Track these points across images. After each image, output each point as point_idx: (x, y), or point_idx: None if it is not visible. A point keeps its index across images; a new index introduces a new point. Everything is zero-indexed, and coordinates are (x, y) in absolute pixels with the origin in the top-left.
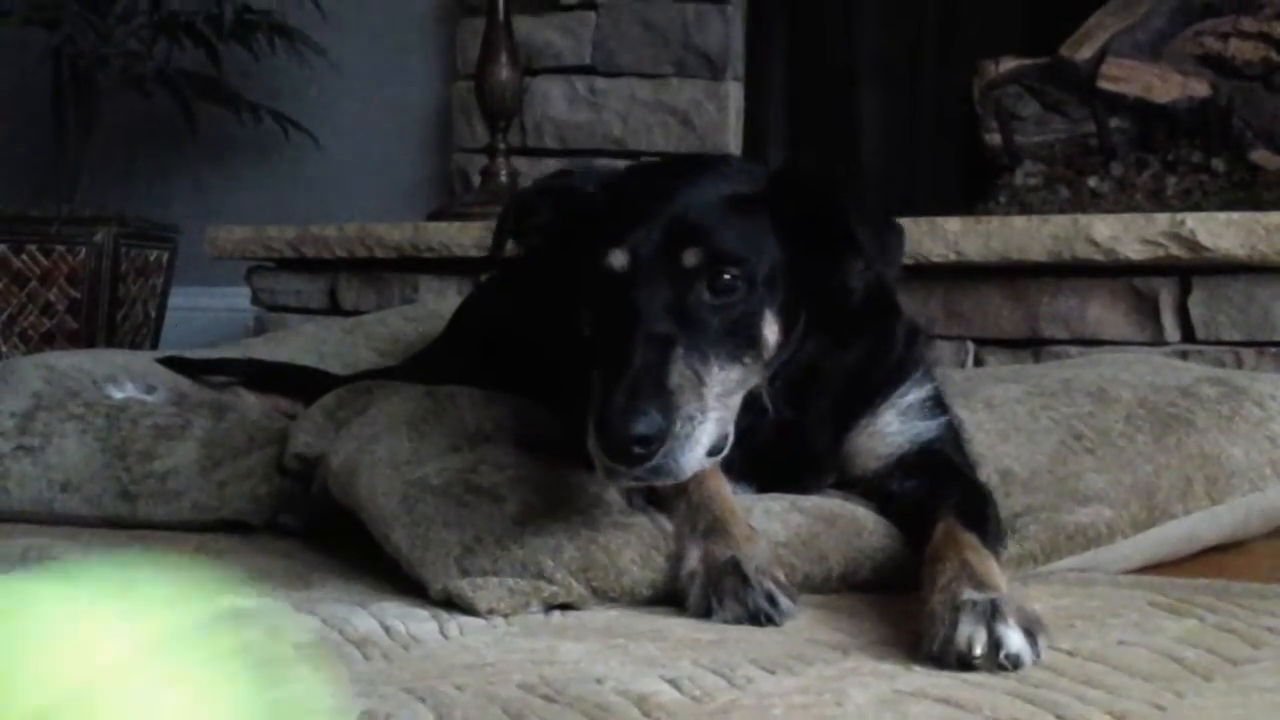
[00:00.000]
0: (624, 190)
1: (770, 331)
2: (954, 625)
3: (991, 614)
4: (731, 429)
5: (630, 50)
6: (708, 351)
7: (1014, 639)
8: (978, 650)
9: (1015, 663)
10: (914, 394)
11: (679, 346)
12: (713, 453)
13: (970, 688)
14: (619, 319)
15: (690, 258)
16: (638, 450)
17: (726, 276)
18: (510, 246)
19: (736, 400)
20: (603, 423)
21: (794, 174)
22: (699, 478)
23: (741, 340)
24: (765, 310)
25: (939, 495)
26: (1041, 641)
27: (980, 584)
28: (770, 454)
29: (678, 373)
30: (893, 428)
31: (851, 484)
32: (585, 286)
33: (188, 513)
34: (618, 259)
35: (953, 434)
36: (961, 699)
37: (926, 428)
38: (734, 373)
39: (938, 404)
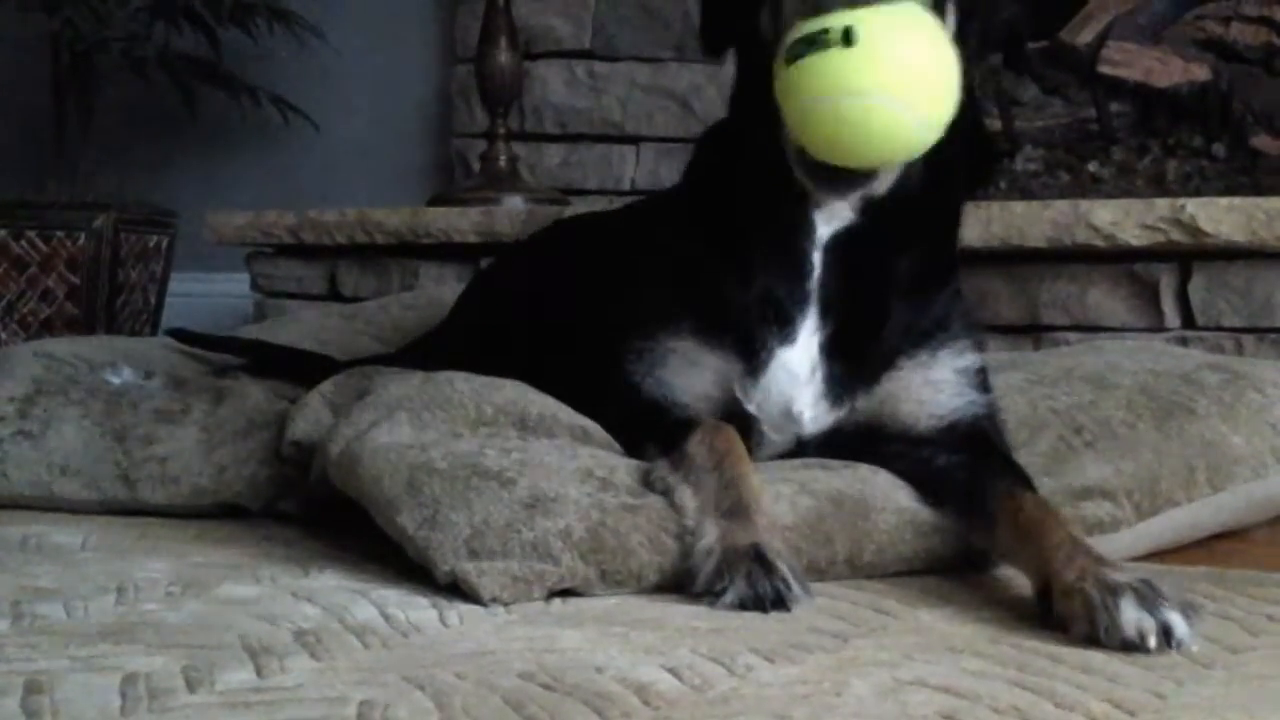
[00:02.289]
0: None
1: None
2: (1117, 611)
3: (1153, 598)
4: None
5: (630, 34)
6: None
7: (1180, 623)
8: (1151, 640)
9: (1179, 646)
10: (971, 357)
11: None
12: None
13: (970, 676)
14: None
15: None
16: None
17: None
18: None
19: None
20: None
21: None
22: (731, 459)
23: None
24: None
25: (992, 472)
26: (1194, 620)
27: (1104, 562)
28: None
29: None
30: (949, 385)
31: (890, 438)
32: None
33: (187, 497)
34: None
35: (997, 415)
36: (962, 688)
37: (980, 401)
38: None
39: (987, 381)
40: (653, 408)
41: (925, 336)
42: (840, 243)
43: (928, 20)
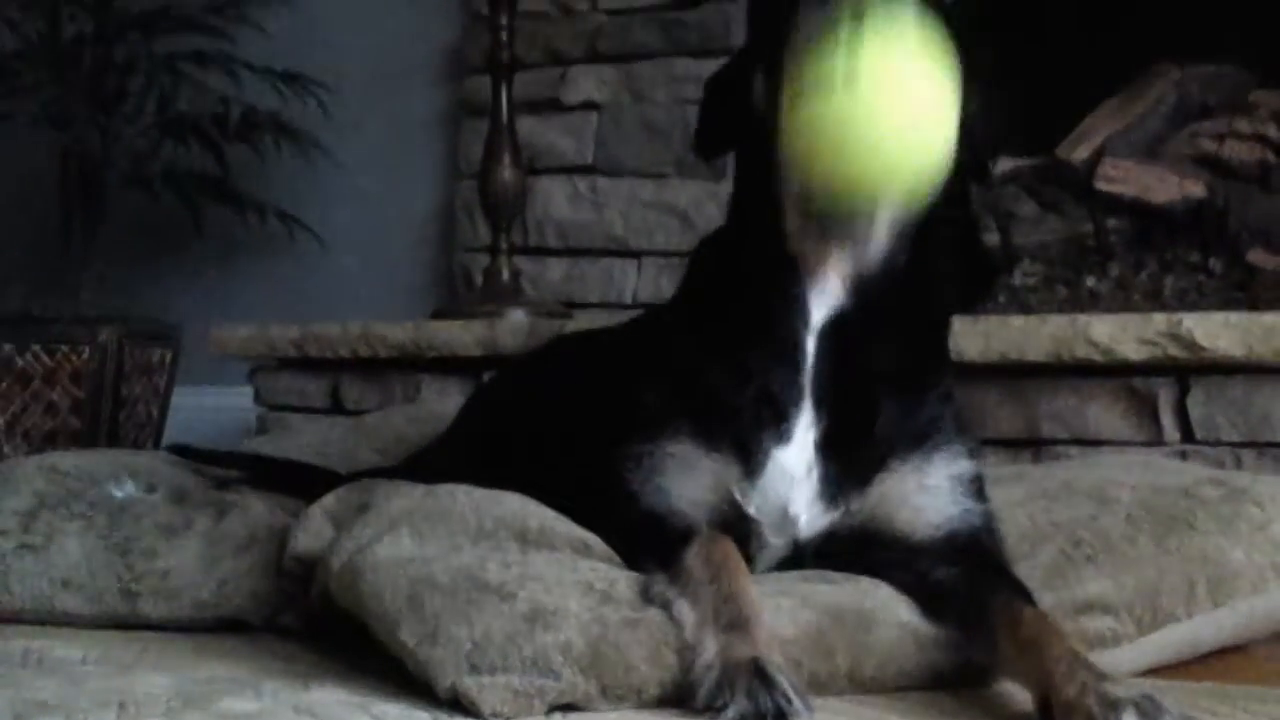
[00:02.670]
0: None
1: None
2: None
3: (1154, 713)
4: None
5: (632, 151)
6: None
7: None
8: None
9: None
10: (965, 464)
11: None
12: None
13: None
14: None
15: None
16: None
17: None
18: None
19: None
20: None
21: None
22: (729, 571)
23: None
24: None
25: (991, 586)
26: None
27: (1105, 676)
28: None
29: None
30: (944, 492)
31: (888, 548)
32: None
33: (188, 611)
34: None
35: (995, 526)
36: None
37: (977, 511)
38: None
39: (984, 491)
40: (651, 518)
41: (918, 439)
42: (833, 328)
43: (924, 52)
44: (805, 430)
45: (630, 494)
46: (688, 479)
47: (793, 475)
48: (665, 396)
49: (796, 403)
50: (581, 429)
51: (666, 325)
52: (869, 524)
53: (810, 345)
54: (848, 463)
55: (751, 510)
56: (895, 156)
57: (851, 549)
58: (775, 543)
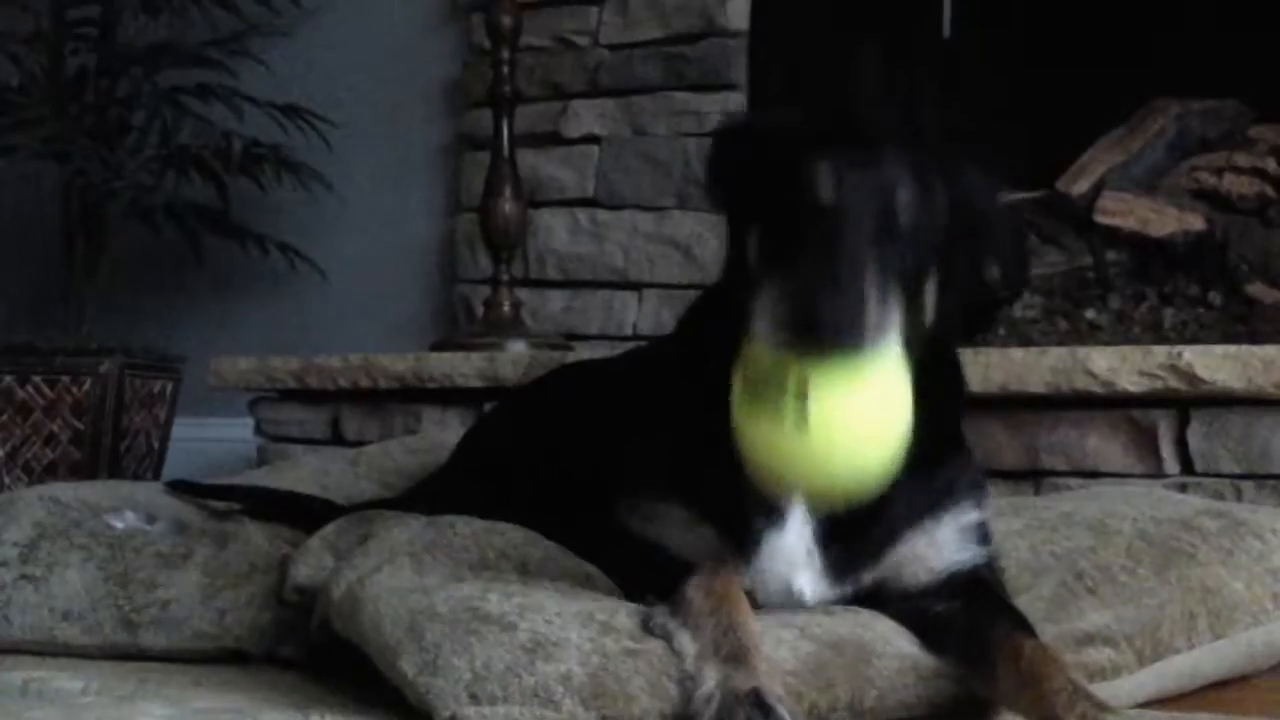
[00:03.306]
0: (830, 130)
1: (930, 299)
2: None
3: None
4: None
5: (632, 183)
6: (888, 288)
7: None
8: None
9: None
10: (972, 515)
11: (872, 272)
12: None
13: None
14: (809, 244)
15: (904, 213)
16: (831, 333)
17: (917, 229)
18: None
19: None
20: (804, 309)
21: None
22: (729, 604)
23: (910, 296)
24: (929, 278)
25: (991, 618)
26: None
27: (1105, 708)
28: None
29: (872, 286)
30: (951, 544)
31: (890, 596)
32: (767, 214)
33: (188, 641)
34: (826, 191)
35: (996, 564)
36: None
37: (979, 553)
38: (897, 315)
39: (988, 534)
40: (649, 553)
41: (931, 507)
42: None
43: (882, 394)
44: (801, 524)
45: (627, 534)
46: (683, 535)
47: (793, 560)
48: (662, 449)
49: (789, 501)
50: (578, 466)
51: (665, 375)
52: (878, 586)
53: None
54: (855, 545)
55: (747, 584)
56: (847, 468)
57: (856, 600)
58: (777, 603)
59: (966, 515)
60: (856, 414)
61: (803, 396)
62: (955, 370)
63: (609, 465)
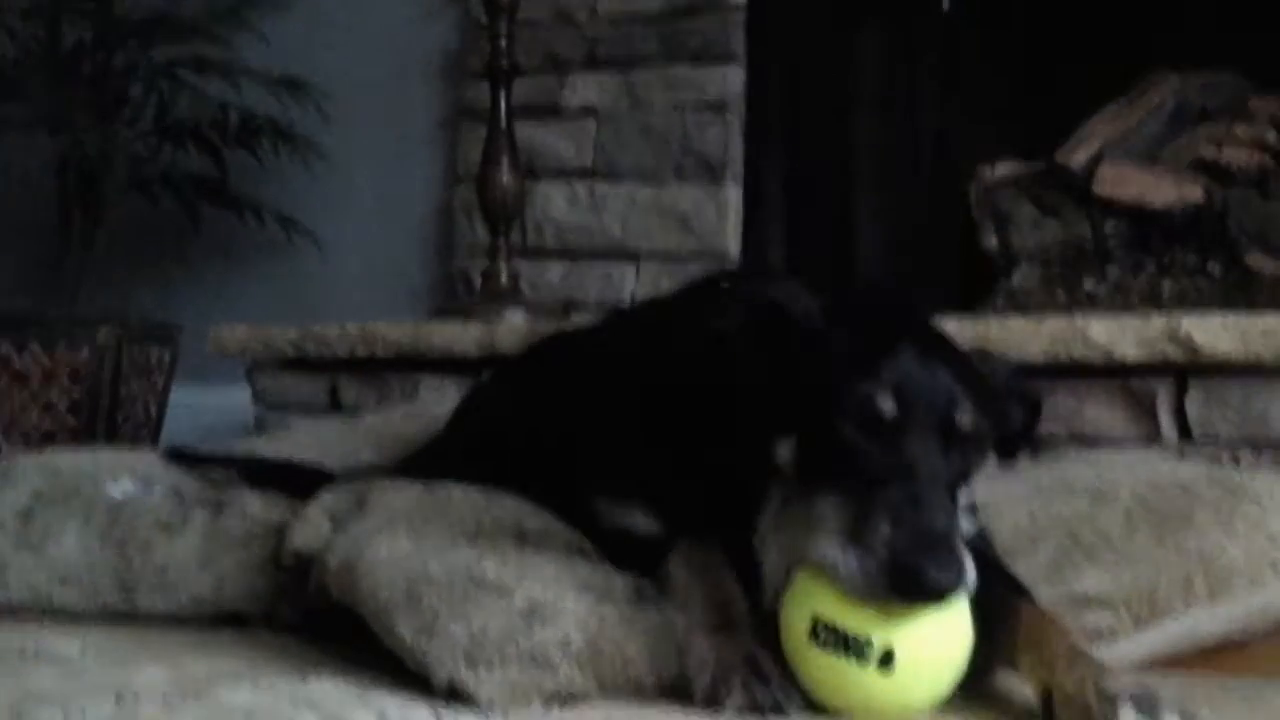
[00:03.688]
0: (864, 335)
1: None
2: (1116, 718)
3: (1152, 706)
4: None
5: (630, 155)
6: (954, 499)
7: None
8: None
9: None
10: (963, 498)
11: (951, 498)
12: None
13: None
14: (883, 459)
15: (963, 420)
16: (936, 599)
17: (984, 442)
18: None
19: None
20: (909, 568)
21: (1019, 382)
22: (714, 575)
23: (961, 486)
24: (980, 465)
25: (985, 581)
26: None
27: (1104, 670)
28: None
29: (955, 522)
30: None
31: None
32: (804, 420)
33: (186, 605)
34: (887, 405)
35: (987, 533)
36: None
37: (969, 525)
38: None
39: (975, 507)
40: (627, 536)
41: None
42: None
43: (961, 628)
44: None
45: (605, 519)
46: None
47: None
48: (630, 456)
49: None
50: (558, 443)
51: (645, 368)
52: None
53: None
54: None
55: None
56: (926, 699)
57: None
58: None
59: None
60: (940, 650)
61: (886, 639)
62: None
63: (582, 452)
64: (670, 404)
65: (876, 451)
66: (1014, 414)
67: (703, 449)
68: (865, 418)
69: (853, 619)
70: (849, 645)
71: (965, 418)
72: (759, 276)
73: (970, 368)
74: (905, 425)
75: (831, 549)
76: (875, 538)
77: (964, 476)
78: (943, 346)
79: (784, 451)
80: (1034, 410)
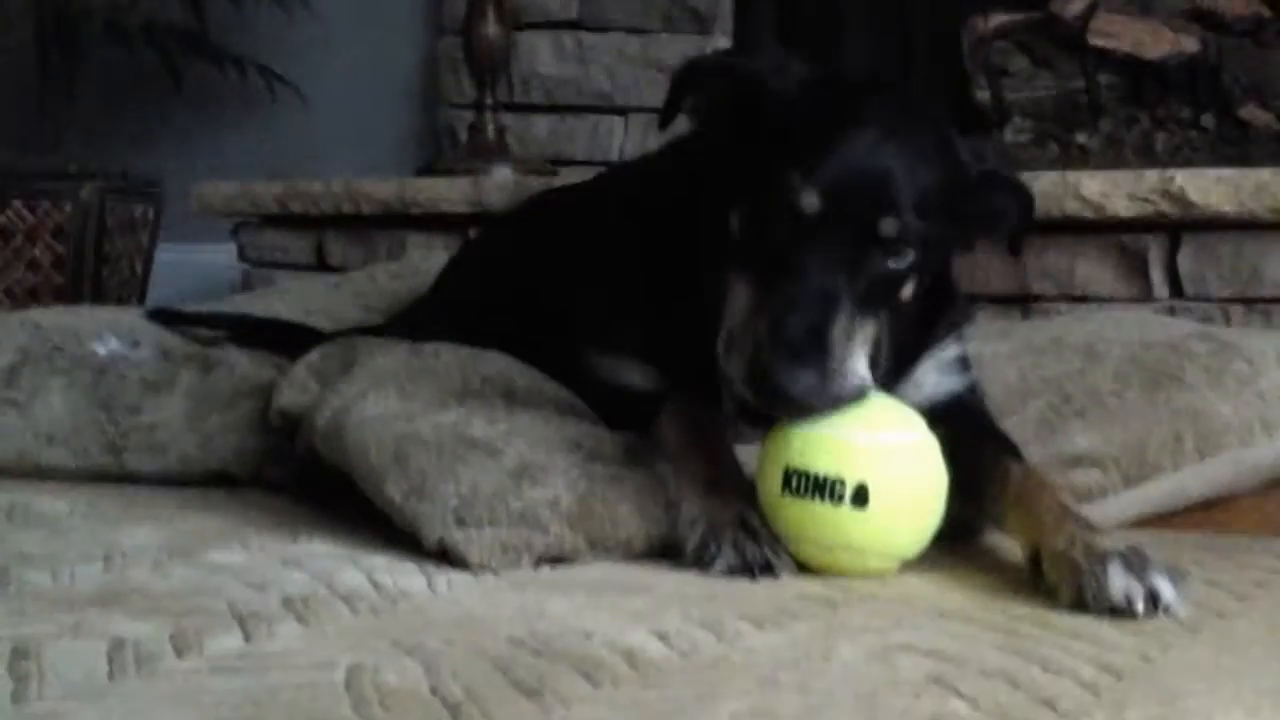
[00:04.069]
0: (827, 117)
1: (907, 291)
2: (1104, 576)
3: (1140, 564)
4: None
5: (618, 6)
6: (864, 309)
7: (1167, 588)
8: (1139, 605)
9: (1166, 610)
10: (952, 350)
11: (843, 303)
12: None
13: (959, 641)
14: (787, 254)
15: (887, 227)
16: (792, 408)
17: (907, 249)
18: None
19: (870, 347)
20: (759, 372)
21: (1002, 179)
22: (706, 433)
23: (887, 298)
24: (912, 275)
25: (971, 441)
26: (1182, 586)
27: (1091, 528)
28: None
29: (839, 329)
30: (930, 379)
31: None
32: (752, 195)
33: (174, 465)
34: (810, 202)
35: (979, 389)
36: (950, 652)
37: (959, 381)
38: (873, 326)
39: (968, 362)
40: (620, 392)
41: (912, 356)
42: None
43: (933, 465)
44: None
45: (598, 378)
46: (653, 383)
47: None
48: (625, 308)
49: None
50: (549, 300)
51: (636, 226)
52: None
53: None
54: None
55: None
56: (887, 569)
57: None
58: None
59: (946, 351)
60: (913, 486)
61: (858, 476)
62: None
63: (578, 307)
64: (664, 239)
65: (788, 244)
66: (1002, 208)
67: (691, 275)
68: (785, 208)
69: (823, 460)
70: (822, 487)
71: (890, 224)
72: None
73: (933, 169)
74: (822, 222)
75: (720, 345)
76: (748, 339)
77: (889, 283)
78: (909, 139)
79: (735, 221)
80: (1025, 205)
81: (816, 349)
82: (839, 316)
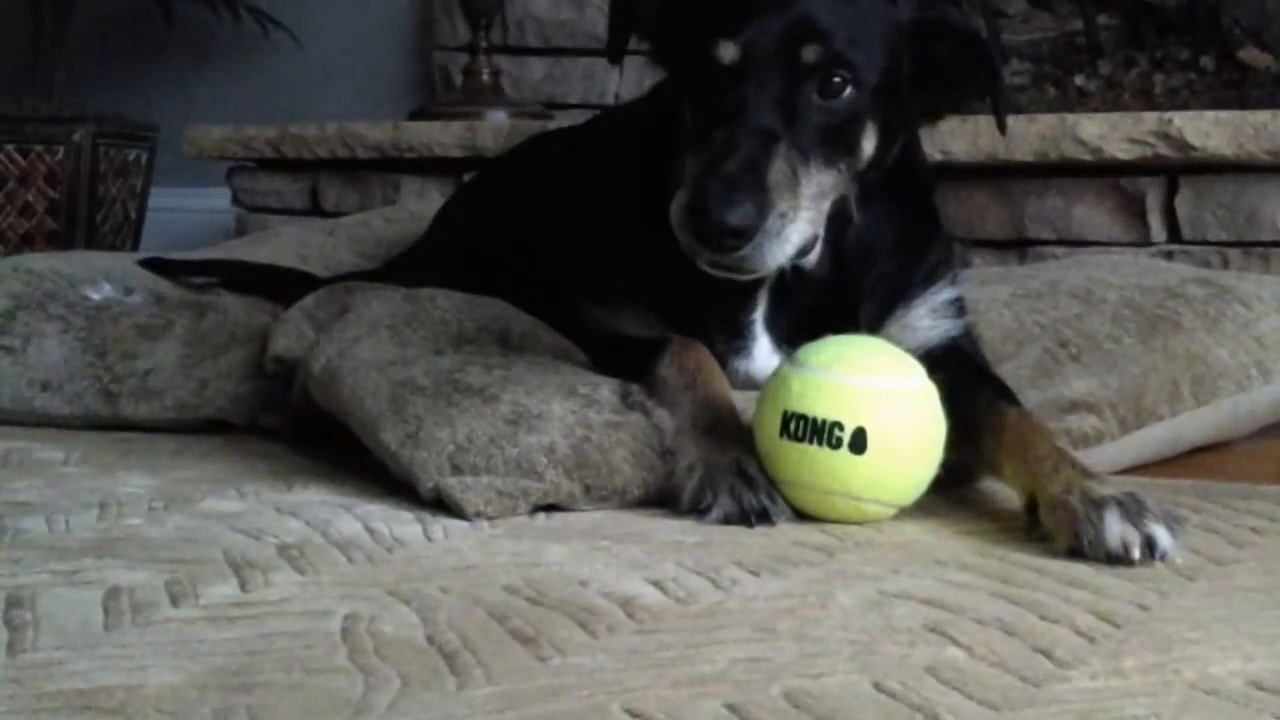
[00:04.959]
0: None
1: (869, 142)
2: (1101, 523)
3: (1137, 511)
4: (822, 231)
5: None
6: (808, 151)
7: (1164, 536)
8: (1135, 553)
9: (1163, 557)
10: (945, 294)
11: (781, 143)
12: (800, 254)
13: (955, 589)
14: (727, 105)
15: (808, 54)
16: (730, 240)
17: (838, 79)
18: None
19: (827, 205)
20: (697, 206)
21: (939, 19)
22: (704, 377)
23: (841, 145)
24: (867, 120)
25: (967, 387)
26: (1178, 533)
27: (1088, 474)
28: (814, 321)
29: (777, 169)
30: (924, 323)
31: None
32: (691, 76)
33: (169, 411)
34: (728, 51)
35: (974, 333)
36: (947, 600)
37: (954, 325)
38: (829, 177)
39: (963, 306)
40: (617, 340)
41: (903, 295)
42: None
43: (931, 407)
44: (768, 353)
45: (594, 324)
46: (649, 329)
47: (761, 371)
48: (627, 249)
49: (752, 330)
50: (546, 250)
51: (630, 171)
52: None
53: (761, 296)
54: None
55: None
56: (884, 514)
57: None
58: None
59: (939, 294)
60: (911, 428)
61: (856, 419)
62: (916, 164)
63: (573, 255)
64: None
65: (724, 102)
66: (956, 59)
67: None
68: (715, 71)
69: (822, 405)
70: (820, 432)
71: (812, 50)
72: None
73: (859, 4)
74: (748, 68)
75: (673, 203)
76: (686, 184)
77: (837, 127)
78: None
79: (686, 112)
80: (983, 58)
81: (752, 181)
82: (776, 156)
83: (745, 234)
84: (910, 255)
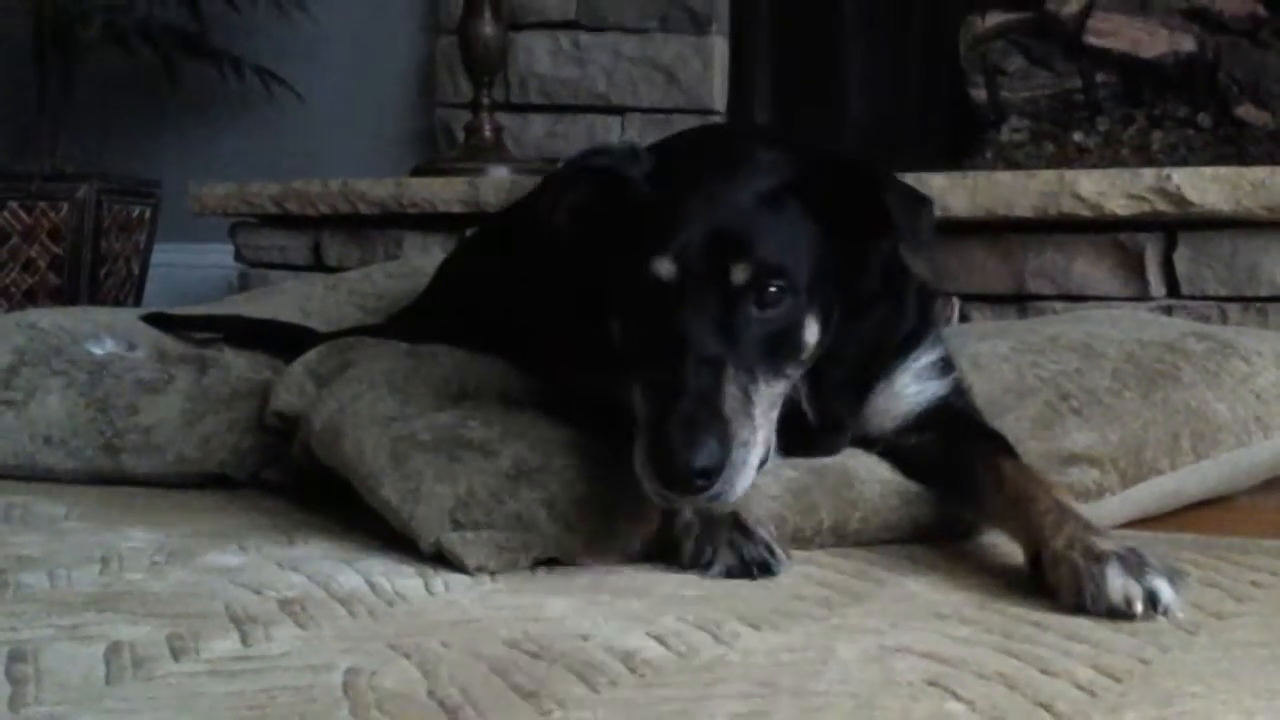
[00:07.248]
0: (667, 184)
1: (810, 335)
2: (1103, 578)
3: (1139, 565)
4: (774, 439)
5: (615, 5)
6: (755, 369)
7: (1166, 590)
8: (1137, 607)
9: (1165, 611)
10: (927, 356)
11: (729, 367)
12: (759, 466)
13: (955, 643)
14: (663, 333)
15: (739, 274)
16: (699, 482)
17: (773, 289)
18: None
19: (777, 411)
20: (660, 454)
21: (828, 162)
22: None
23: (785, 350)
24: (806, 316)
25: (963, 443)
26: (1180, 587)
27: (1090, 529)
28: (793, 423)
29: (730, 396)
30: (909, 389)
31: (868, 443)
32: (622, 285)
33: (171, 466)
34: (665, 269)
35: (963, 389)
36: (948, 654)
37: (940, 385)
38: (778, 386)
39: (948, 363)
40: (605, 404)
41: (883, 369)
42: None
43: None
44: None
45: (578, 390)
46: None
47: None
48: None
49: None
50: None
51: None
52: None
53: None
54: (808, 444)
55: None
56: None
57: None
58: None
59: (923, 358)
60: None
61: None
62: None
63: (545, 325)
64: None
65: (660, 319)
66: (868, 207)
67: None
68: (644, 281)
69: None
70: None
71: (741, 270)
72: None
73: (780, 204)
74: (681, 287)
75: (635, 449)
76: (643, 430)
77: (779, 335)
78: (747, 185)
79: (615, 331)
80: (911, 214)
81: (709, 417)
82: (726, 382)
83: (712, 473)
84: (882, 340)
